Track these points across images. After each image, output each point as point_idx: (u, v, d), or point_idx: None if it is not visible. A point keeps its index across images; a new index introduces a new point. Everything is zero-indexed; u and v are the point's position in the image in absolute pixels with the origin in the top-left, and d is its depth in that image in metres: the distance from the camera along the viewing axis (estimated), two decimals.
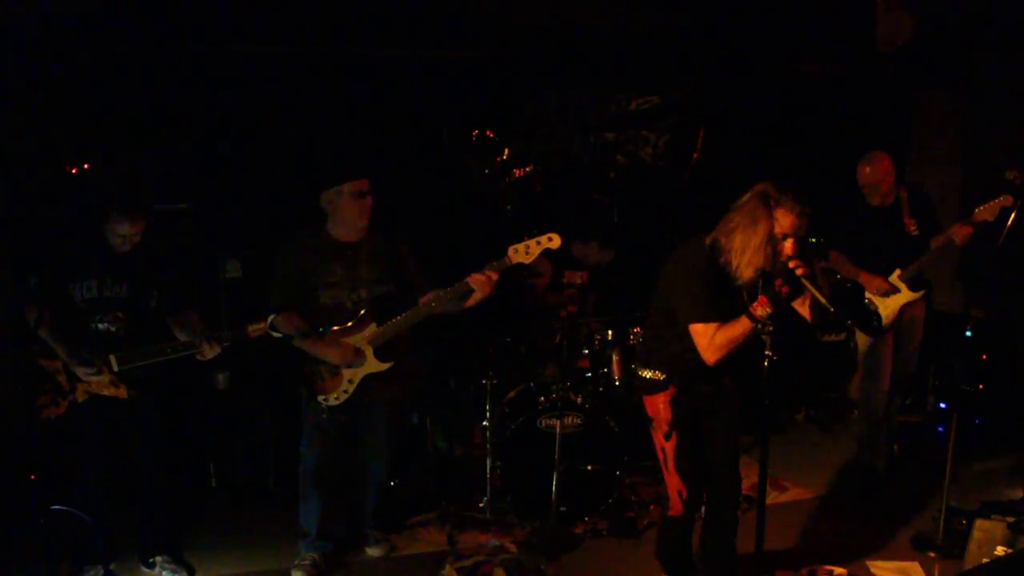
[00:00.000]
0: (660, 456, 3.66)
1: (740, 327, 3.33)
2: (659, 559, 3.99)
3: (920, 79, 7.08)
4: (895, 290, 5.21)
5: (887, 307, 5.26)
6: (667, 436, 3.60)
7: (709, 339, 3.38)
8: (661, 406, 3.60)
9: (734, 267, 3.36)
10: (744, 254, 3.32)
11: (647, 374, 3.65)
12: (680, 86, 6.94)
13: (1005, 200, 4.73)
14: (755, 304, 3.30)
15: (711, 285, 3.40)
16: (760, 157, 6.93)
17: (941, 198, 5.62)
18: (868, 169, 5.19)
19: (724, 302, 3.41)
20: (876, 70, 6.90)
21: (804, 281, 3.20)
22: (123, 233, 3.95)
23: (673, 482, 3.66)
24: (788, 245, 3.29)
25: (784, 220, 3.28)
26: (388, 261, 4.30)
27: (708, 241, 3.46)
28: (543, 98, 6.60)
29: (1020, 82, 6.52)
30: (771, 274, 3.31)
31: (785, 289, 3.25)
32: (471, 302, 4.21)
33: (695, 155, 7.03)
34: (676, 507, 3.71)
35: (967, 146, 7.22)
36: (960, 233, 4.93)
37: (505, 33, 6.10)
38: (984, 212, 4.83)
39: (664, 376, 3.59)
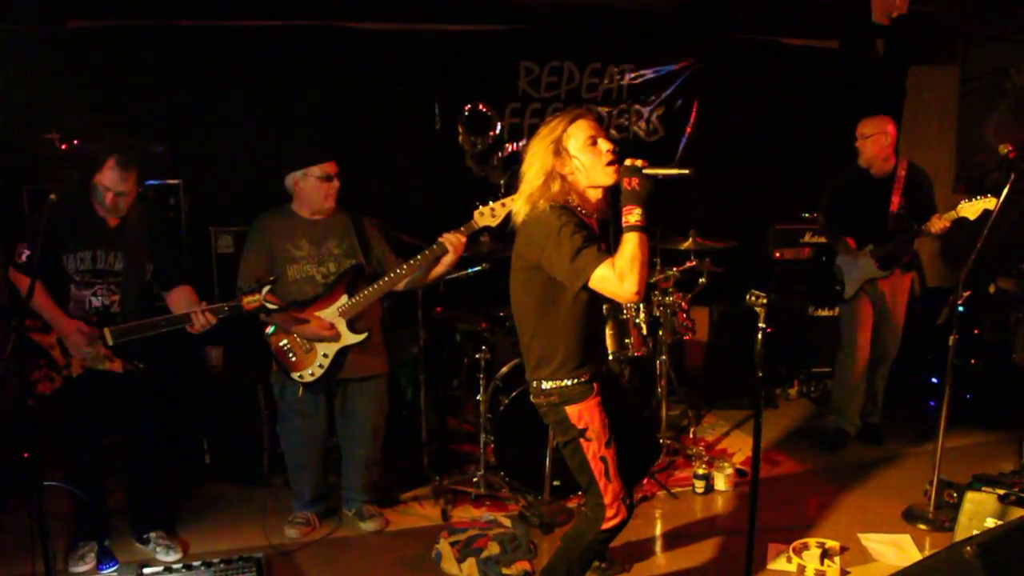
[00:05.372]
0: (598, 467, 3.24)
1: (631, 242, 3.01)
2: None
3: (914, 54, 7.05)
4: (855, 259, 5.28)
5: (852, 274, 5.33)
6: (608, 444, 3.23)
7: (614, 271, 3.00)
8: (590, 413, 3.23)
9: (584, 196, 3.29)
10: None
11: (561, 383, 3.23)
12: (673, 60, 6.91)
13: (988, 201, 4.57)
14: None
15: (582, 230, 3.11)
16: (754, 131, 6.92)
17: (934, 175, 5.58)
18: (866, 123, 5.20)
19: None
20: (870, 43, 6.87)
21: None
22: (115, 188, 3.84)
23: (615, 490, 3.26)
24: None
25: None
26: (354, 236, 4.34)
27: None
28: (536, 72, 6.56)
29: (1012, 57, 6.51)
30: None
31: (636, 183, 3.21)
32: (440, 268, 4.22)
33: (689, 129, 7.01)
34: (620, 514, 3.30)
35: (961, 123, 7.20)
36: (937, 226, 4.87)
37: (499, 6, 6.06)
38: (966, 209, 4.68)
39: (588, 376, 3.24)
